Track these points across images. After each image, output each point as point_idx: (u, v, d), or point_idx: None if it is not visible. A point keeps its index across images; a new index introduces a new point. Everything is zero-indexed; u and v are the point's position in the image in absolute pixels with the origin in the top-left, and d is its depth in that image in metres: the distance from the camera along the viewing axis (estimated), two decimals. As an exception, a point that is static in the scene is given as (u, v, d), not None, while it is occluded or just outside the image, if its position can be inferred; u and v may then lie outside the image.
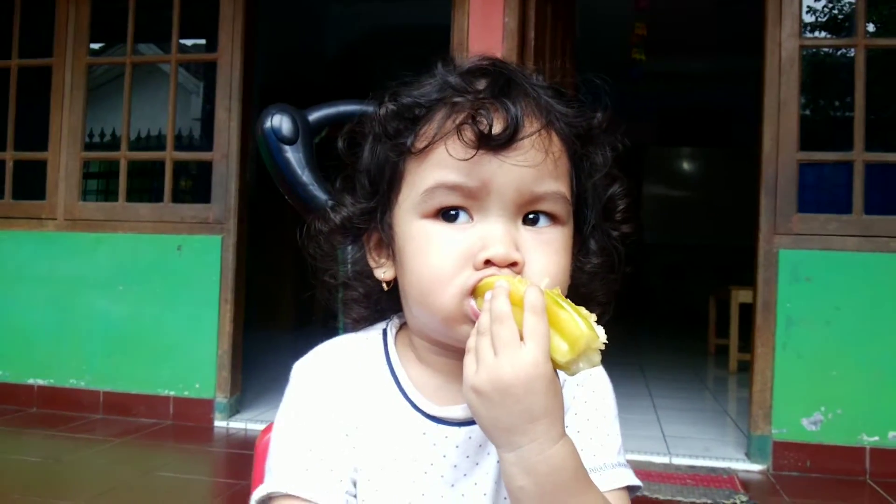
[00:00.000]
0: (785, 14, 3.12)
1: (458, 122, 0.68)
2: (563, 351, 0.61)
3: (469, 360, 0.64)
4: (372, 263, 0.78)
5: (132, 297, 3.66)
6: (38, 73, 3.98)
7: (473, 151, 0.67)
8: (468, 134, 0.67)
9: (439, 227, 0.70)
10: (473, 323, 0.66)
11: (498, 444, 0.64)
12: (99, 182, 6.55)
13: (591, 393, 0.78)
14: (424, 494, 0.73)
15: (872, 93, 3.35)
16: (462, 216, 0.70)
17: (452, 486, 0.73)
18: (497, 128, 0.67)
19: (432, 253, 0.69)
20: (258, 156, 1.04)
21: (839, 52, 7.04)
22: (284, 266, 6.23)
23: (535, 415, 0.61)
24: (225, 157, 3.61)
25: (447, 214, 0.70)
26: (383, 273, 0.77)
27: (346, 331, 0.85)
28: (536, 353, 0.60)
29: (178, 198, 4.23)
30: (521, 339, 0.61)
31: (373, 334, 0.80)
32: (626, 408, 4.04)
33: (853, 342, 3.00)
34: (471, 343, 0.64)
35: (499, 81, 0.70)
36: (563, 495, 0.63)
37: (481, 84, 0.71)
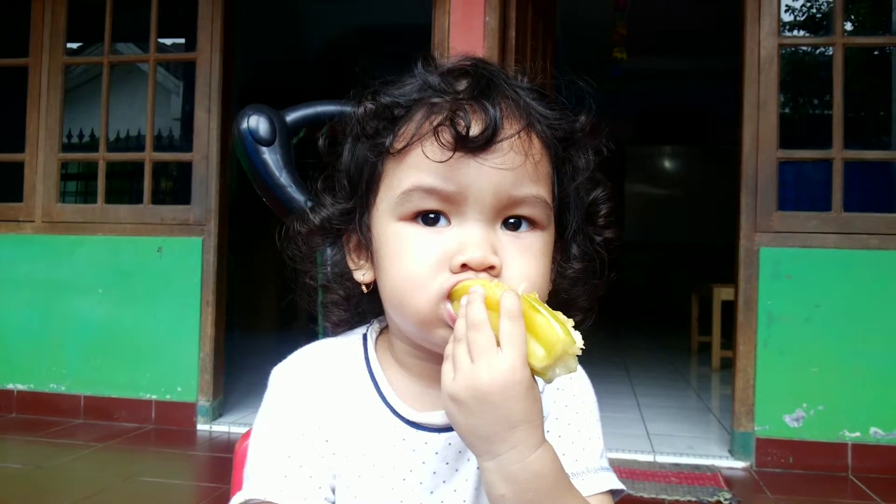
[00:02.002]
0: (764, 13, 3.14)
1: (435, 123, 0.66)
2: (539, 356, 0.60)
3: (447, 368, 0.63)
4: (351, 265, 0.77)
5: (112, 299, 3.62)
6: (14, 74, 3.93)
7: (450, 153, 0.66)
8: (445, 135, 0.66)
9: (416, 230, 0.69)
10: (450, 327, 0.65)
11: (477, 453, 0.63)
12: (77, 184, 6.49)
13: (572, 397, 0.77)
14: (403, 501, 0.72)
15: (851, 91, 3.38)
16: (441, 220, 0.68)
17: (432, 492, 0.72)
18: (475, 129, 0.66)
19: (408, 256, 0.68)
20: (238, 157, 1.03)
21: (818, 51, 7.12)
22: (266, 268, 6.20)
23: (514, 422, 0.60)
24: (205, 157, 3.58)
25: (426, 218, 0.69)
26: (363, 275, 0.76)
27: (326, 334, 0.84)
28: (513, 358, 0.59)
29: (157, 199, 4.20)
30: (498, 344, 0.60)
31: (353, 338, 0.79)
32: (609, 406, 4.05)
33: (834, 339, 3.02)
34: (448, 350, 0.63)
35: (479, 82, 0.69)
36: (544, 502, 0.62)
37: (462, 84, 0.70)
